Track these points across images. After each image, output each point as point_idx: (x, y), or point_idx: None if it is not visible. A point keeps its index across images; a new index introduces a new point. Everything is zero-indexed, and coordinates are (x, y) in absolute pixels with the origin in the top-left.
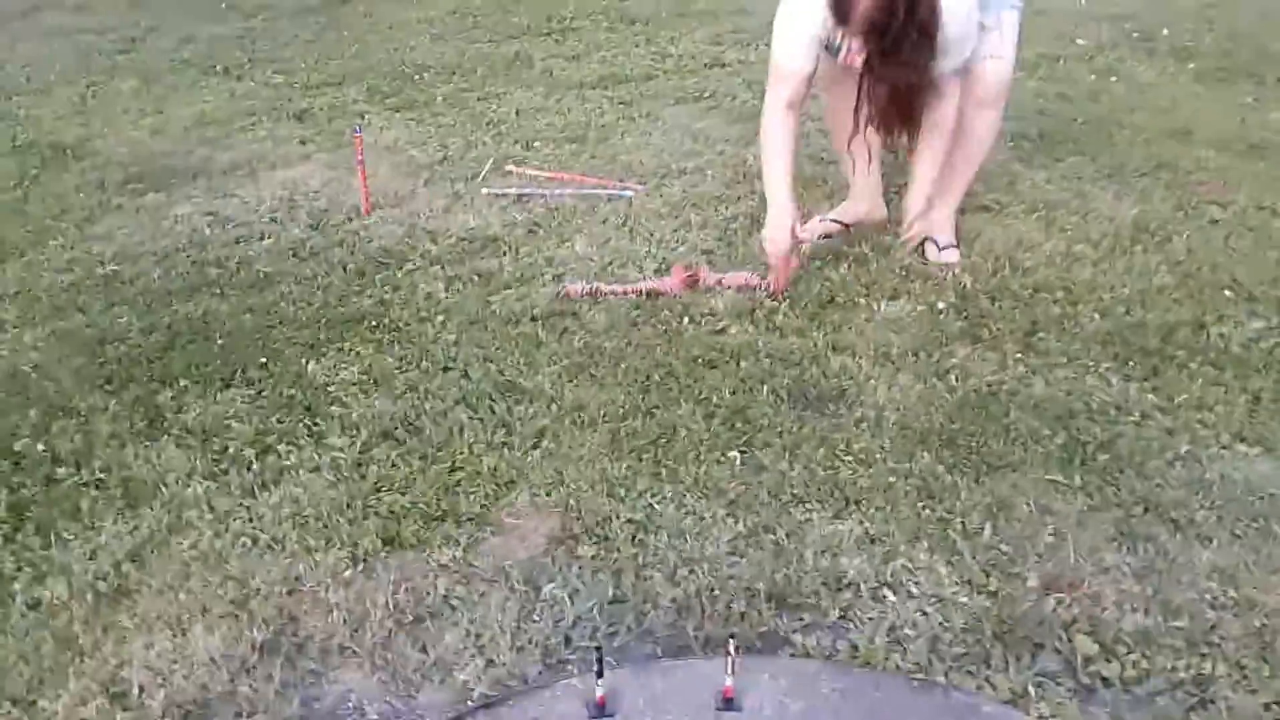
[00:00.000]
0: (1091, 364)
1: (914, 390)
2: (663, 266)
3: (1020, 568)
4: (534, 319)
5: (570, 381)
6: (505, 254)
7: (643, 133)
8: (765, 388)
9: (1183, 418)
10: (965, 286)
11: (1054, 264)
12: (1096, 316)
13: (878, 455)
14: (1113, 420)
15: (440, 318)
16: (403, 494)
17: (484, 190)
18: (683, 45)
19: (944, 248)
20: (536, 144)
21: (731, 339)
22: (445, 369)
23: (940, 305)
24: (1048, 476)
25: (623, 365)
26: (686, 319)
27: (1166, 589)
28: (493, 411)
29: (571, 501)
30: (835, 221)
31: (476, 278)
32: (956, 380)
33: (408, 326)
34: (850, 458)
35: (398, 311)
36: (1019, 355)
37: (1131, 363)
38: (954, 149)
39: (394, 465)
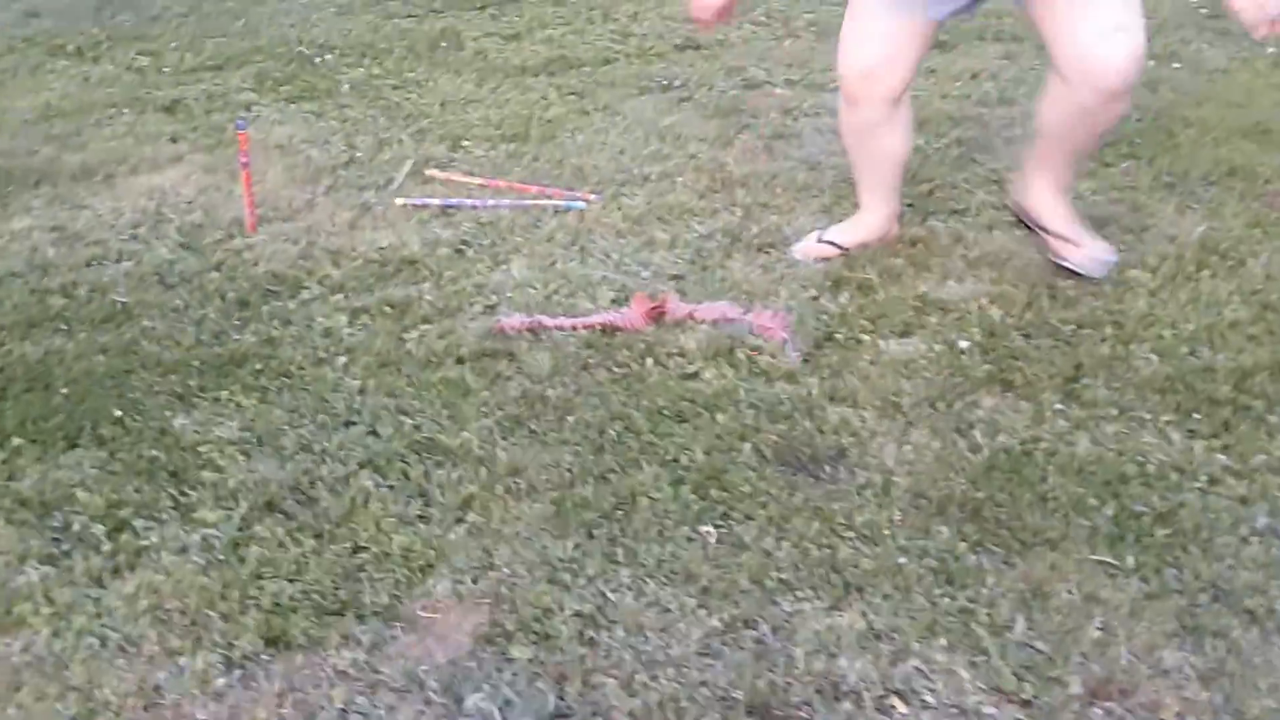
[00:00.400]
0: (1148, 417)
1: (929, 449)
2: (621, 295)
3: (1060, 670)
4: (460, 361)
5: (504, 439)
6: (425, 280)
7: (598, 130)
8: (747, 446)
9: (1260, 483)
10: (993, 320)
11: (1102, 293)
12: (1154, 358)
13: (885, 531)
14: (1174, 486)
15: (342, 359)
16: (291, 582)
17: (399, 201)
18: (647, 23)
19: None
20: (466, 143)
21: (705, 385)
22: (347, 424)
23: (962, 344)
24: (1094, 556)
25: (570, 418)
26: (650, 361)
27: (1240, 696)
28: (406, 477)
29: (504, 590)
30: (832, 244)
31: (388, 309)
32: (982, 437)
33: (301, 371)
34: (851, 534)
35: (288, 352)
36: (1059, 406)
37: (1197, 415)
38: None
39: (281, 545)
